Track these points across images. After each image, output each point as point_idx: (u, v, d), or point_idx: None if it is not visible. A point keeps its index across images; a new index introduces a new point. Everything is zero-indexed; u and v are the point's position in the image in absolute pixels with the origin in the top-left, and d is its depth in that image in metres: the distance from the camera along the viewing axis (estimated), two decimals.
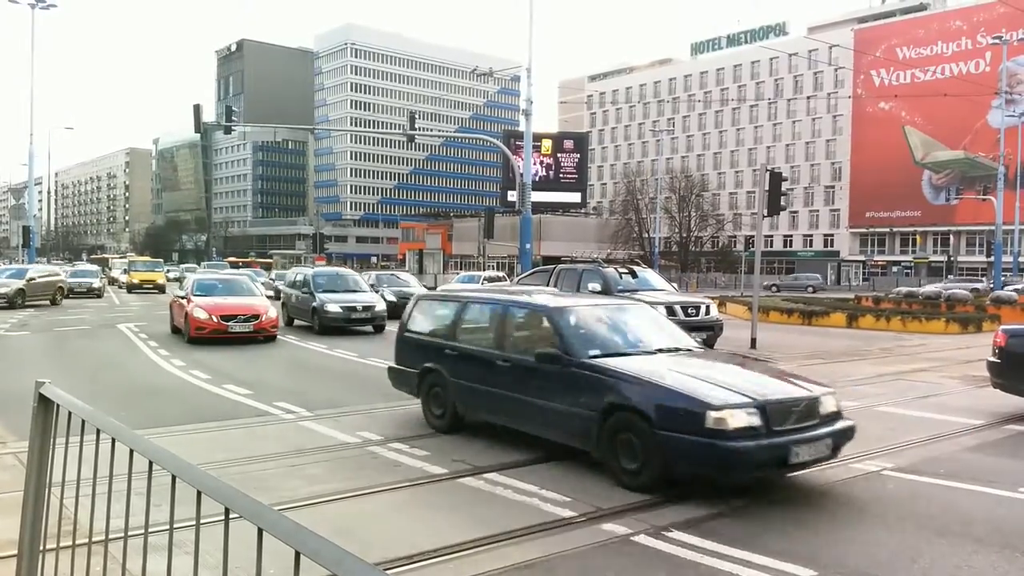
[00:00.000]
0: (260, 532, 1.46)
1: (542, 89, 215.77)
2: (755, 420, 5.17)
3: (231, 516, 1.56)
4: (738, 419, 5.13)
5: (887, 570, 4.28)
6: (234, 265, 52.47)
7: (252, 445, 6.98)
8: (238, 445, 6.98)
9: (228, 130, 25.98)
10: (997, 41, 40.62)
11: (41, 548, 2.52)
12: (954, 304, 24.50)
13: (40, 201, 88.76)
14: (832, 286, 69.81)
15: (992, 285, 37.11)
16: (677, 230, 69.95)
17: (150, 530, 1.99)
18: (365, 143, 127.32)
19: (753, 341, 15.03)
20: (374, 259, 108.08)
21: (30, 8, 35.03)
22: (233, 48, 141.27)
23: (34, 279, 26.13)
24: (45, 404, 2.48)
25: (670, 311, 13.66)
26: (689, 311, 13.89)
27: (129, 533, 2.11)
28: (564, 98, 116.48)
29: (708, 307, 14.27)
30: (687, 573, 4.19)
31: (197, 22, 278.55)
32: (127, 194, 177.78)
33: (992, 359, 8.87)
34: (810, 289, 53.27)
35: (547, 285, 15.89)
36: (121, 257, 66.38)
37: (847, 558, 4.41)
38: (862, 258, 79.52)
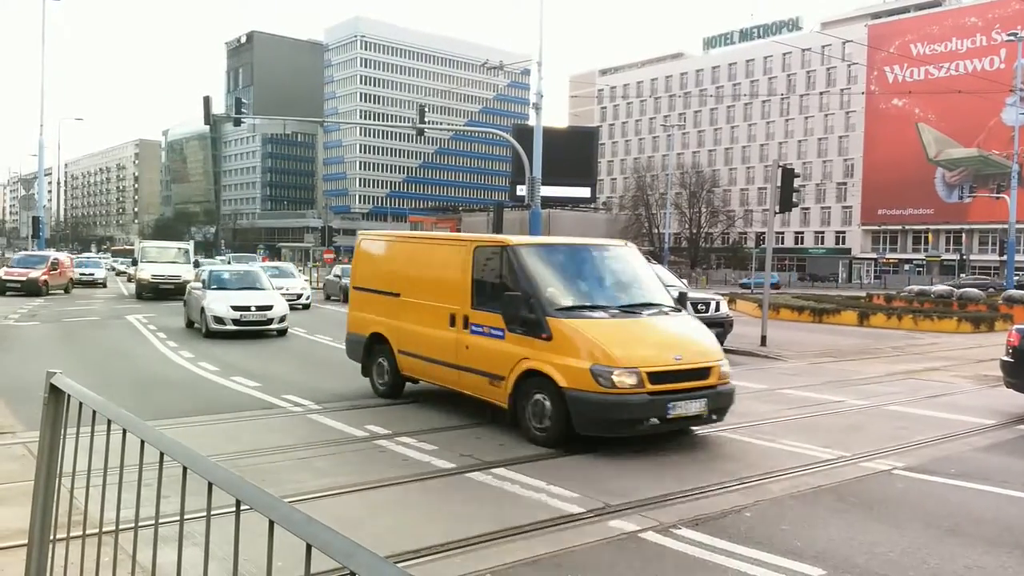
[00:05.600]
0: (271, 524, 1.45)
1: (552, 83, 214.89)
2: None
3: (242, 508, 1.56)
4: None
5: (897, 569, 4.24)
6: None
7: (260, 438, 7.00)
8: (246, 437, 7.01)
9: (237, 122, 25.97)
10: (1012, 38, 40.14)
11: (51, 538, 2.53)
12: (966, 303, 24.31)
13: (50, 192, 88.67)
14: (843, 283, 69.51)
15: (1005, 284, 36.76)
16: (687, 226, 69.69)
17: (160, 521, 1.99)
18: (374, 136, 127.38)
19: (763, 338, 14.95)
20: None
21: None
22: (243, 40, 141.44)
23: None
24: (56, 394, 2.49)
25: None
26: (699, 307, 13.84)
27: (139, 524, 2.11)
28: (575, 92, 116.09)
29: (718, 303, 14.20)
30: (695, 570, 4.17)
31: (207, 14, 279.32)
32: (136, 185, 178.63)
33: (1006, 358, 8.79)
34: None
35: None
36: (159, 246, 30.82)
37: (856, 557, 4.38)
38: (874, 256, 79.01)
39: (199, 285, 16.07)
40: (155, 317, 19.13)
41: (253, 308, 15.13)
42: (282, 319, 15.49)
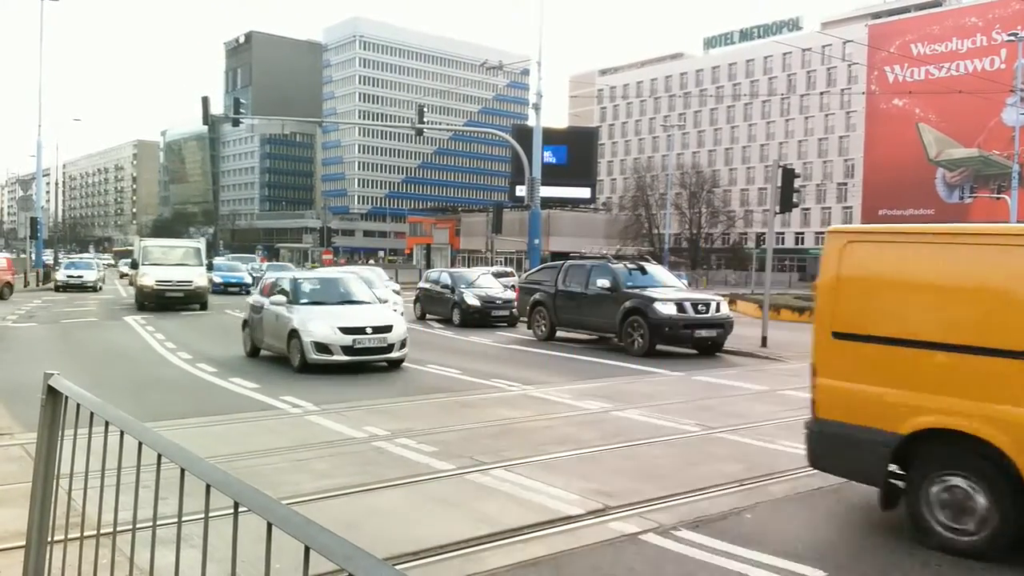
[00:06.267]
0: (269, 526, 1.44)
1: (552, 83, 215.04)
2: None
3: (240, 510, 1.55)
4: None
5: (899, 571, 4.23)
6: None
7: (258, 439, 6.98)
8: (244, 439, 6.99)
9: (236, 122, 26.00)
10: (1012, 38, 40.19)
11: (49, 540, 2.52)
12: None
13: (48, 192, 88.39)
14: None
15: None
16: (687, 227, 69.73)
17: (158, 523, 1.98)
18: (373, 136, 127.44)
19: (764, 339, 14.94)
20: (381, 253, 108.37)
21: None
22: (241, 40, 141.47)
23: None
24: (53, 396, 2.48)
25: (680, 308, 13.61)
26: (699, 308, 13.82)
27: (137, 526, 2.10)
28: (574, 92, 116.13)
29: (719, 304, 14.19)
30: (695, 572, 4.16)
31: (205, 14, 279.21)
32: (134, 186, 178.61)
33: None
34: None
35: (555, 281, 15.90)
36: (164, 245, 26.76)
37: (857, 559, 4.37)
38: None
39: (281, 299, 11.76)
40: (152, 319, 19.09)
41: (369, 330, 10.94)
42: (402, 344, 11.32)
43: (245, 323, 13.03)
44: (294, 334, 10.96)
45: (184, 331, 15.93)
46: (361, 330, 10.91)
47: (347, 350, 10.74)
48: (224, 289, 29.56)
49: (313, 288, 12.36)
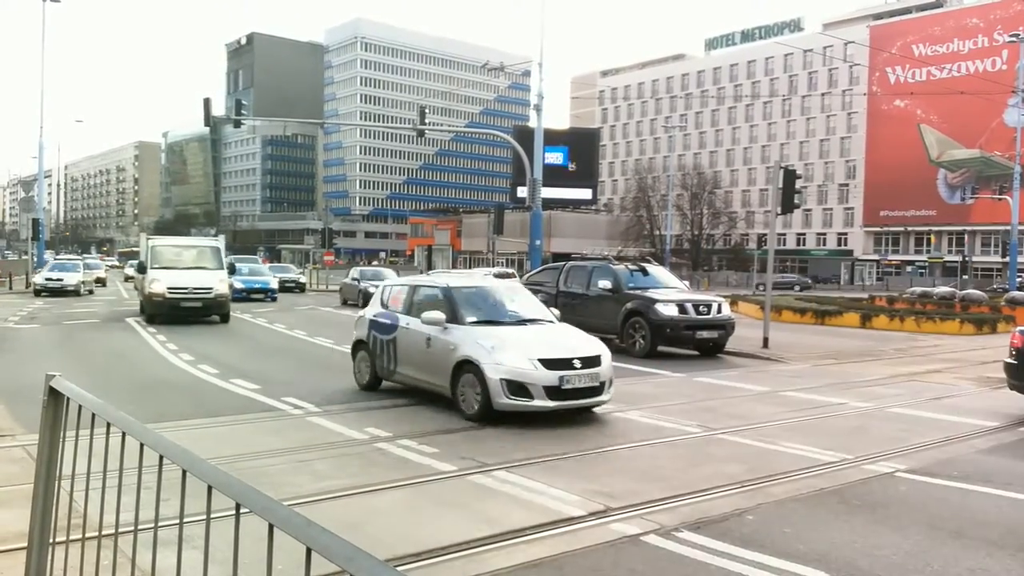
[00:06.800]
0: (271, 527, 1.44)
1: (553, 84, 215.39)
2: None
3: (241, 511, 1.55)
4: None
5: (900, 572, 4.22)
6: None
7: (260, 440, 6.98)
8: (246, 440, 6.99)
9: (237, 124, 26.05)
10: (1014, 39, 40.18)
11: (50, 541, 2.52)
12: (969, 305, 24.30)
13: (49, 194, 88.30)
14: (845, 285, 69.50)
15: (1006, 288, 36.81)
16: (689, 228, 69.79)
17: (159, 524, 1.99)
18: (375, 138, 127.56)
19: (765, 340, 14.93)
20: (383, 255, 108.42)
21: (40, 0, 35.54)
22: (243, 41, 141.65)
23: None
24: (55, 397, 2.48)
25: (681, 309, 13.60)
26: (701, 309, 13.81)
27: (138, 527, 2.10)
28: (576, 93, 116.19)
29: (720, 305, 14.18)
30: (697, 573, 4.15)
31: (207, 15, 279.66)
32: (136, 187, 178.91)
33: (1009, 360, 8.78)
34: (797, 288, 53.11)
35: (557, 282, 15.89)
36: (177, 244, 22.21)
37: (859, 560, 4.36)
38: (876, 257, 78.99)
39: (436, 316, 8.24)
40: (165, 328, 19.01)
41: (577, 363, 7.65)
42: (611, 382, 8.07)
43: (358, 345, 9.73)
44: (467, 367, 7.75)
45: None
46: (568, 363, 7.59)
47: (551, 392, 7.44)
48: (247, 296, 26.40)
49: (479, 302, 8.79)
